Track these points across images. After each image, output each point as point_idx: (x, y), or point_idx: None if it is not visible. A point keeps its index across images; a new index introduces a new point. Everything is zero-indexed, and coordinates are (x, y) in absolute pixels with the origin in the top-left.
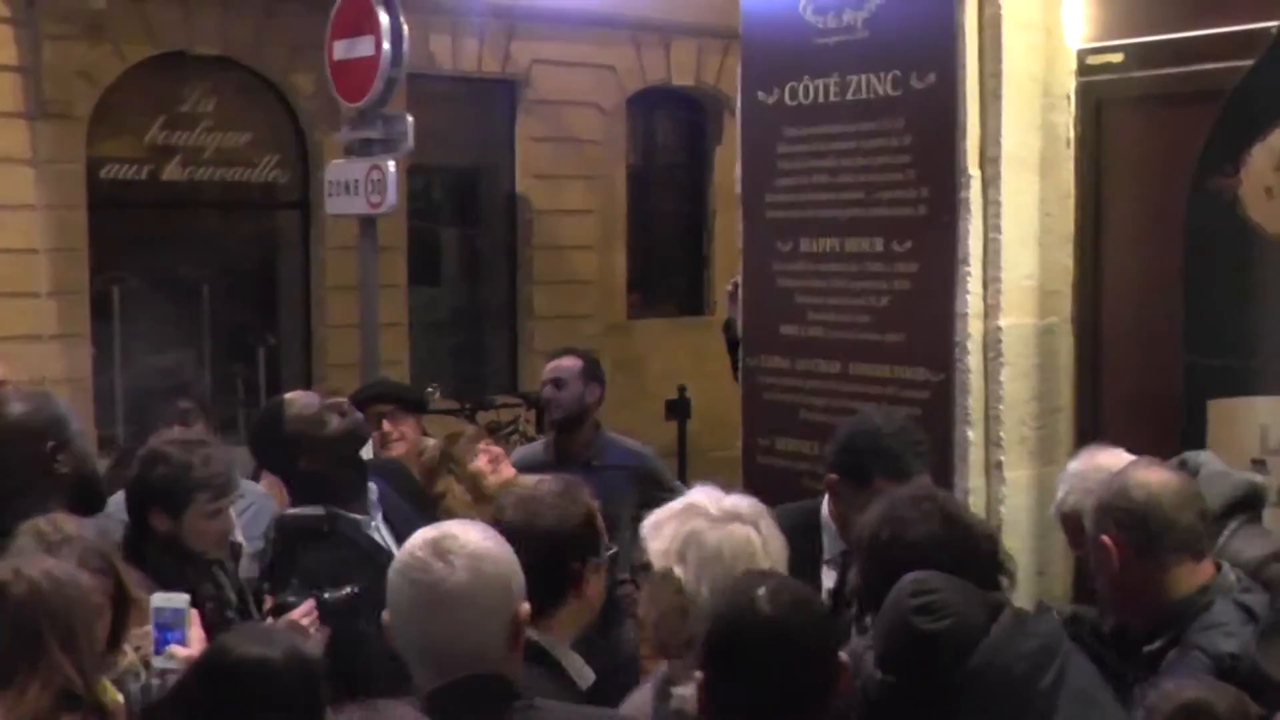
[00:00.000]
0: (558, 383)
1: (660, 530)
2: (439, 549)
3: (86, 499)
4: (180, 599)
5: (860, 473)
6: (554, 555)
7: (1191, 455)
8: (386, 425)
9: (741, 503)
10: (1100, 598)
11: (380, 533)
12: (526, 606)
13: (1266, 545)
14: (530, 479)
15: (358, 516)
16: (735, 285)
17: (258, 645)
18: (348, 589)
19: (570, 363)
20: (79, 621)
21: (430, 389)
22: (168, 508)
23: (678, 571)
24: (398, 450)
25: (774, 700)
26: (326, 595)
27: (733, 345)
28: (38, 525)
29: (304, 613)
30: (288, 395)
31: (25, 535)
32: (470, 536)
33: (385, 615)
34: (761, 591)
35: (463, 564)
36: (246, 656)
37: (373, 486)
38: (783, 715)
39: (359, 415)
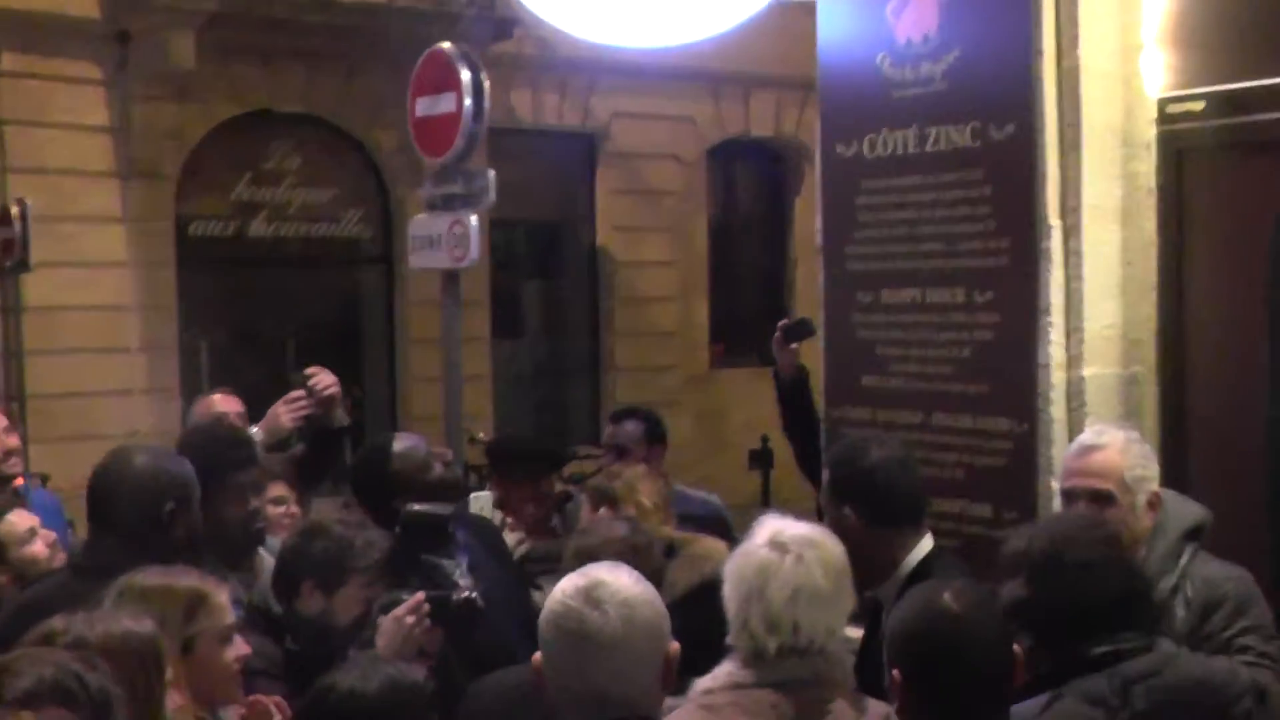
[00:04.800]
0: (620, 451)
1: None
2: (591, 598)
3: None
4: None
5: (887, 516)
6: None
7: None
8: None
9: (791, 531)
10: None
11: (466, 579)
12: (676, 646)
13: (1224, 567)
14: None
15: (443, 561)
16: (782, 328)
17: (353, 678)
18: (467, 592)
19: (633, 429)
20: (144, 686)
21: (479, 437)
22: (321, 583)
23: (725, 586)
24: (537, 508)
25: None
26: (450, 596)
27: (783, 392)
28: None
29: (409, 608)
30: (397, 436)
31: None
32: (621, 582)
33: (536, 659)
34: (947, 594)
35: (616, 612)
36: (342, 690)
37: (459, 535)
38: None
39: (459, 469)
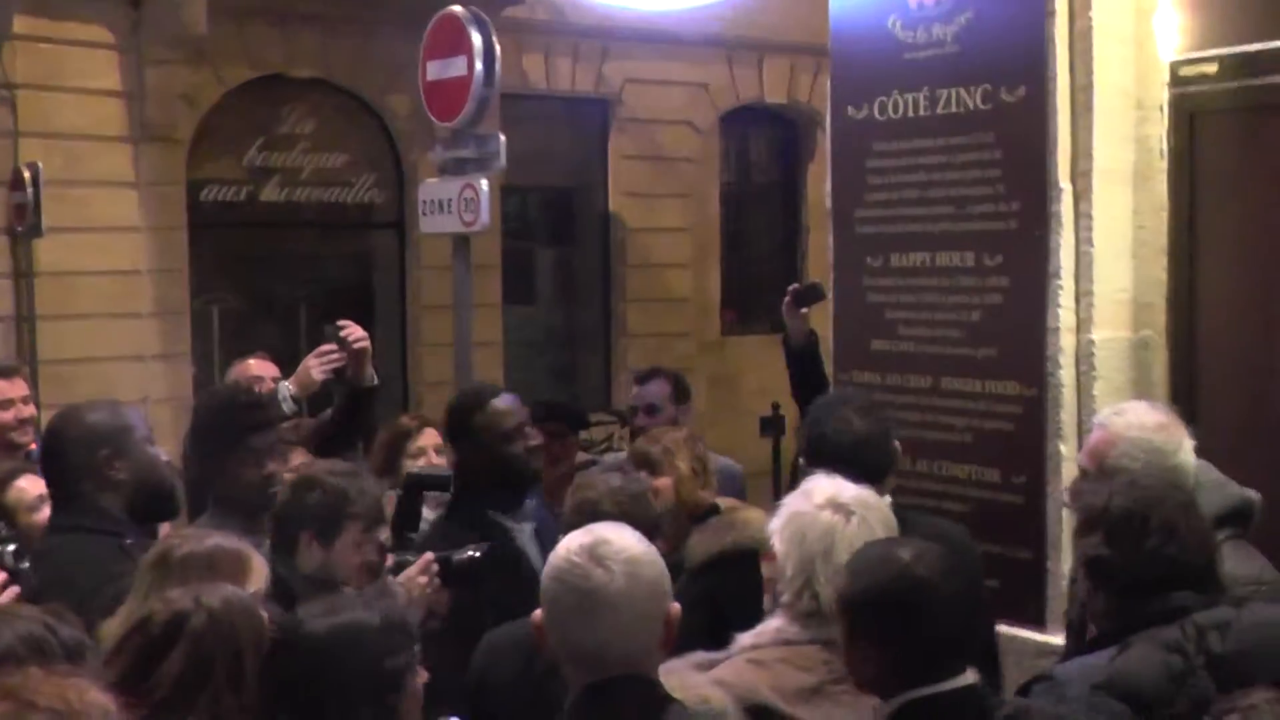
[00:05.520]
0: (650, 409)
1: (780, 508)
2: (595, 554)
3: (150, 508)
4: None
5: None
6: None
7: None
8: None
9: (847, 492)
10: None
11: (529, 543)
12: (677, 607)
13: (1254, 567)
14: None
15: (511, 524)
16: (792, 293)
17: (310, 615)
18: (469, 551)
19: (659, 388)
20: (250, 656)
21: None
22: (320, 535)
23: (776, 545)
24: (559, 470)
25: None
26: (452, 556)
27: (792, 357)
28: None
29: (420, 568)
30: (505, 395)
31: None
32: (625, 540)
33: (537, 615)
34: (906, 554)
35: (620, 569)
36: (295, 627)
37: (530, 501)
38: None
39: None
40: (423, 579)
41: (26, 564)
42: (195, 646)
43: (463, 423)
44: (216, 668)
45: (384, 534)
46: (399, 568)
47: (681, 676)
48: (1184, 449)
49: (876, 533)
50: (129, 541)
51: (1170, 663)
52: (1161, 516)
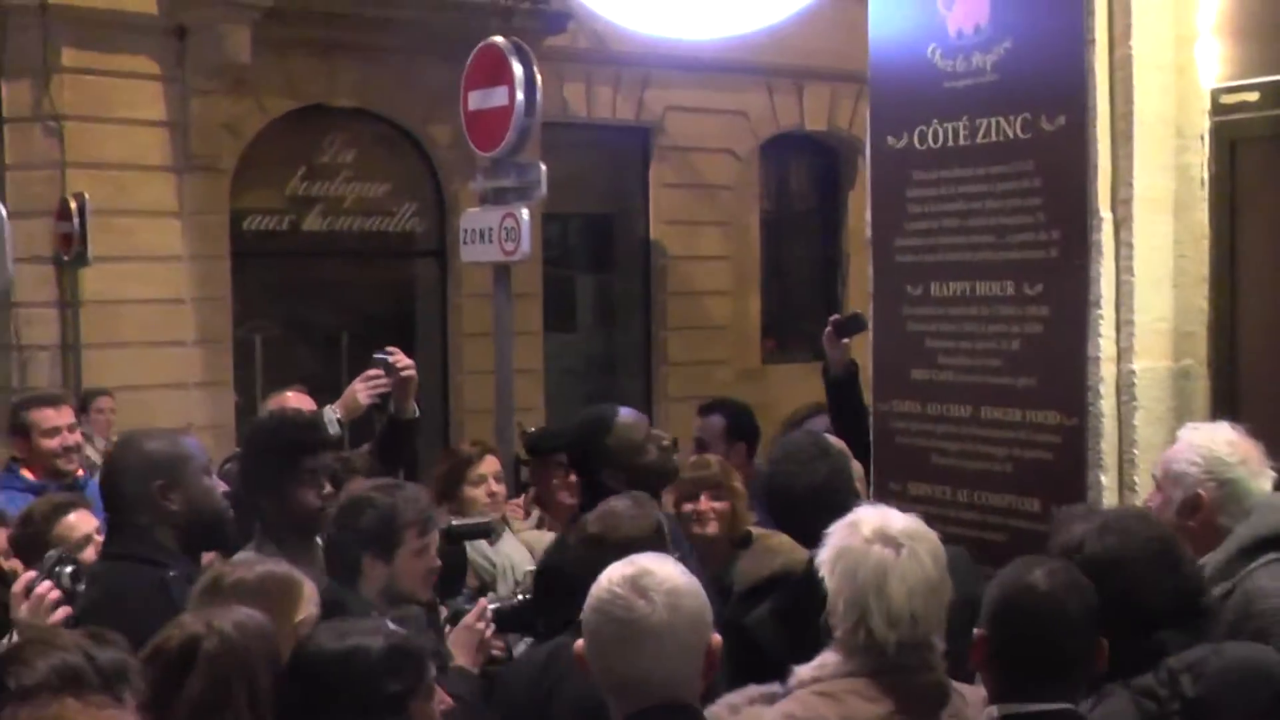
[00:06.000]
0: (699, 444)
1: (829, 540)
2: (638, 586)
3: (203, 539)
4: None
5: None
6: None
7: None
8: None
9: (896, 525)
10: None
11: None
12: (718, 638)
13: None
14: None
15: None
16: (833, 323)
17: (329, 640)
18: (518, 597)
19: (714, 422)
20: (264, 677)
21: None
22: (380, 552)
23: (827, 580)
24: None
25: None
26: (498, 603)
27: (831, 387)
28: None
29: (476, 615)
30: (622, 410)
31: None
32: (667, 572)
33: (579, 646)
34: (1038, 572)
35: (662, 601)
36: (311, 652)
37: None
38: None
39: (674, 456)
40: (480, 624)
41: (83, 586)
42: (211, 669)
43: (596, 452)
44: (234, 689)
45: (436, 538)
46: (455, 617)
47: (749, 714)
48: (1251, 469)
49: (925, 563)
50: (172, 574)
51: (1144, 708)
52: (1131, 566)
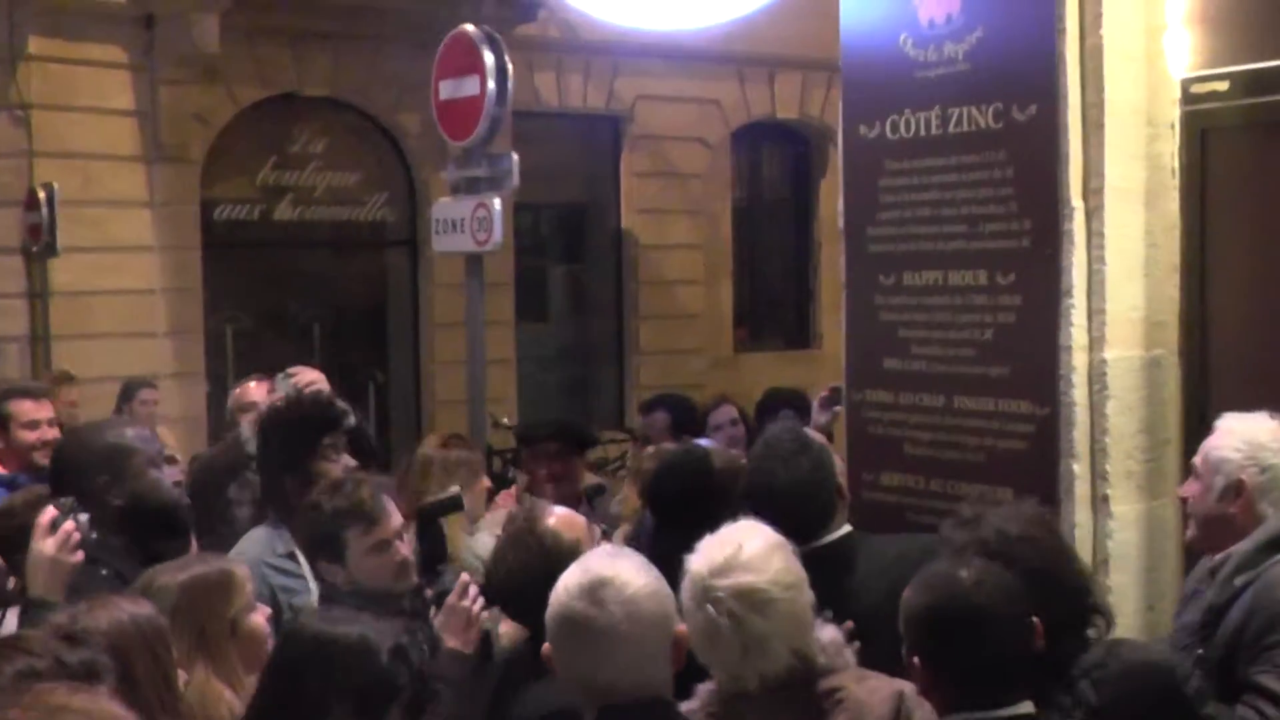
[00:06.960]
0: (645, 441)
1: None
2: (595, 597)
3: (150, 533)
4: None
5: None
6: None
7: None
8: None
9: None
10: None
11: None
12: (684, 628)
13: None
14: None
15: None
16: (831, 390)
17: (322, 625)
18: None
19: (658, 418)
20: (141, 659)
21: (503, 421)
22: (330, 556)
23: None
24: (564, 489)
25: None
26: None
27: None
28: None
29: (459, 593)
30: (715, 451)
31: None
32: (623, 576)
33: (546, 649)
34: (965, 581)
35: (620, 610)
36: (291, 632)
37: None
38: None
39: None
40: (464, 603)
41: (95, 535)
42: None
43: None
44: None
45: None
46: (439, 598)
47: None
48: None
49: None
50: (104, 573)
51: None
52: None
